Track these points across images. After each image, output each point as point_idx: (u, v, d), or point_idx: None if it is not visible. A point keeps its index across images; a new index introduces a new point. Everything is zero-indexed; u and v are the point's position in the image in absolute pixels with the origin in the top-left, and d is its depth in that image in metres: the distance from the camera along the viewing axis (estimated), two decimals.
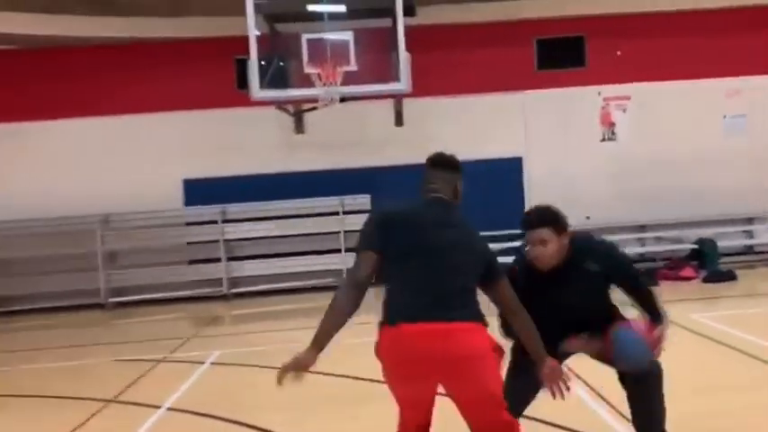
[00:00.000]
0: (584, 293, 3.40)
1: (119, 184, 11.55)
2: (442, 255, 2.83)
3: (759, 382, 5.21)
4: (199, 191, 11.73)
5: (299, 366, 2.75)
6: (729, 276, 10.05)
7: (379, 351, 2.87)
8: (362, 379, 5.91)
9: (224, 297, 11.40)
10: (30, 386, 6.51)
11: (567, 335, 3.46)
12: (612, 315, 3.53)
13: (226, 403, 5.45)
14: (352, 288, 2.89)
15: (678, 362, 5.65)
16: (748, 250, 11.99)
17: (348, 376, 6.03)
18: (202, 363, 6.95)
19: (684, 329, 6.77)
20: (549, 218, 3.38)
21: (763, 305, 8.55)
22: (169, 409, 5.44)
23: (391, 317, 2.82)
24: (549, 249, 3.31)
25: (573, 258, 3.39)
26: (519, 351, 3.31)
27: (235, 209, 11.63)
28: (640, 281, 3.55)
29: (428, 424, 3.02)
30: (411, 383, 2.84)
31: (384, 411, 5.29)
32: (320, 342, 2.81)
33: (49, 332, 9.88)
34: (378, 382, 5.78)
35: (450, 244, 2.88)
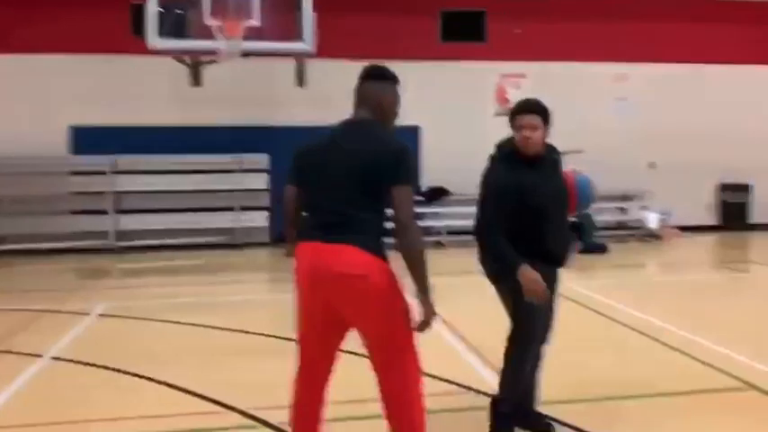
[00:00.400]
0: (557, 185, 3.72)
1: (2, 129, 10.90)
2: (341, 184, 2.92)
3: (612, 339, 5.75)
4: (88, 139, 11.25)
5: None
6: (602, 249, 10.82)
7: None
8: (250, 333, 6.04)
9: (111, 250, 11.09)
10: None
11: (546, 227, 3.56)
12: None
13: (111, 353, 5.42)
14: (285, 220, 3.20)
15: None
16: (621, 226, 12.91)
17: (235, 330, 6.14)
18: (87, 314, 6.81)
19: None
20: (541, 108, 3.68)
21: (628, 276, 9.30)
22: (53, 358, 5.35)
23: (298, 237, 3.03)
24: (537, 135, 3.60)
25: (547, 153, 3.75)
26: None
27: (126, 161, 11.26)
28: None
29: (319, 368, 3.11)
30: (306, 300, 2.98)
31: (263, 366, 5.46)
32: None
33: None
34: (261, 335, 5.93)
35: (350, 172, 2.91)
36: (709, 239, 12.45)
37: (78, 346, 5.69)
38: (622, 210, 12.96)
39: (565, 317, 6.42)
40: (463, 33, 12.37)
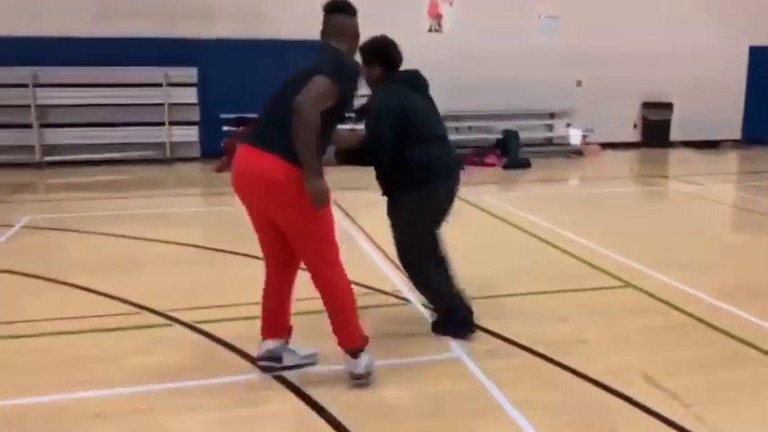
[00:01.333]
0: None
1: None
2: (279, 94, 3.24)
3: (525, 249, 6.18)
4: (5, 50, 10.86)
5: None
6: (525, 164, 11.24)
7: None
8: (175, 243, 6.23)
9: (37, 165, 10.94)
10: None
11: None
12: None
13: (37, 263, 5.55)
14: None
15: (466, 233, 6.49)
16: (548, 142, 13.34)
17: (160, 240, 6.32)
18: (12, 226, 6.86)
19: (475, 207, 7.69)
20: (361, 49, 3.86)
21: (551, 190, 9.75)
22: None
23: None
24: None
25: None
26: None
27: (48, 72, 10.96)
28: None
29: (277, 256, 3.44)
30: (241, 197, 3.36)
31: (185, 272, 5.69)
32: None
33: None
34: (186, 245, 6.10)
35: (290, 81, 3.20)
36: (630, 155, 13.00)
37: (4, 256, 5.80)
38: (548, 127, 13.36)
39: (472, 225, 6.88)
40: None
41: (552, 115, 13.34)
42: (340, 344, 3.37)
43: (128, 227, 6.79)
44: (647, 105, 13.76)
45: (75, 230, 6.80)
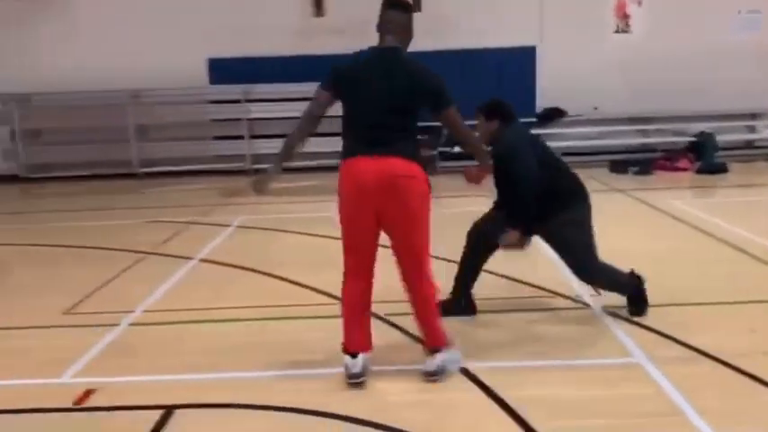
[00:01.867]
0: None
1: (147, 62, 12.09)
2: (382, 101, 3.44)
3: (717, 258, 5.94)
4: (223, 70, 12.25)
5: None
6: (721, 169, 10.58)
7: (339, 183, 3.53)
8: None
9: (246, 172, 12.18)
10: (77, 240, 7.41)
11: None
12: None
13: (249, 257, 6.32)
14: (306, 118, 3.76)
15: (656, 241, 6.40)
16: (748, 145, 12.43)
17: None
18: (228, 225, 7.81)
19: (665, 214, 7.47)
20: (482, 107, 4.40)
21: (749, 196, 9.14)
22: (201, 260, 6.33)
23: (343, 155, 3.54)
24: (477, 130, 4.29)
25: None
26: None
27: (258, 89, 12.18)
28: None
29: (366, 268, 3.64)
30: (355, 207, 3.48)
31: None
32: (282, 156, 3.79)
33: (87, 197, 10.77)
34: None
35: (389, 91, 3.42)
36: None
37: (223, 251, 6.66)
38: (750, 128, 12.44)
39: (661, 231, 6.70)
40: None
41: (754, 116, 12.41)
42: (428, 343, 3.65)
43: (324, 227, 7.43)
44: None
45: (279, 230, 7.59)
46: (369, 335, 3.69)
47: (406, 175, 3.42)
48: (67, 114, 12.06)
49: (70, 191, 11.31)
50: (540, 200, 4.13)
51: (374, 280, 3.69)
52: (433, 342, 3.65)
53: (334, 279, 5.40)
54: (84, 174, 12.03)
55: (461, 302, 4.55)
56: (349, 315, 3.65)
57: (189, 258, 6.35)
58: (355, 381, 3.55)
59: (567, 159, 12.05)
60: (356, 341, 3.61)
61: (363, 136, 3.48)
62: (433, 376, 3.60)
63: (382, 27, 3.57)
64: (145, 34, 12.17)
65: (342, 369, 3.62)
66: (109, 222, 8.49)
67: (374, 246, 3.62)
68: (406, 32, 3.59)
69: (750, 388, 3.45)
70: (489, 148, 4.28)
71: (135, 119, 12.17)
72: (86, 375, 3.86)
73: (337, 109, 3.64)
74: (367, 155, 3.42)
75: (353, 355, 3.56)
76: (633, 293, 4.40)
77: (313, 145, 13.44)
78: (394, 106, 3.45)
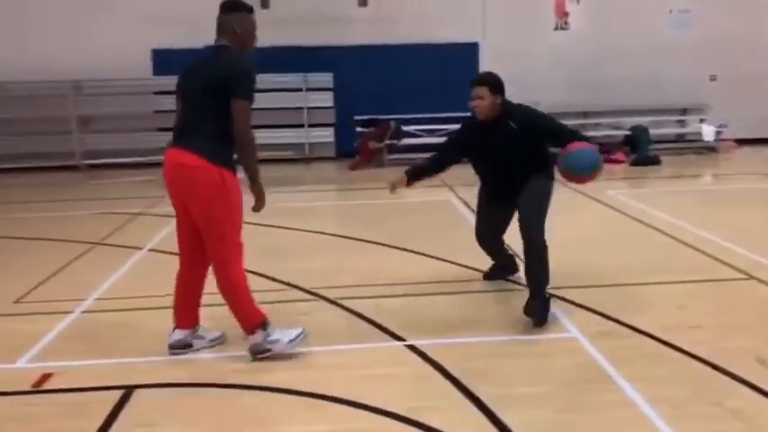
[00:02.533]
0: (506, 147, 4.42)
1: (90, 52, 11.91)
2: (191, 96, 3.66)
3: (648, 242, 6.32)
4: (167, 61, 12.13)
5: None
6: (654, 161, 11.11)
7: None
8: (314, 232, 6.88)
9: None
10: (23, 231, 7.33)
11: (500, 182, 4.61)
12: (541, 166, 4.50)
13: None
14: None
15: (589, 226, 6.74)
16: (680, 139, 13.05)
17: (301, 230, 7.00)
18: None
19: (598, 202, 7.85)
20: (487, 79, 4.44)
21: (679, 186, 9.65)
22: (150, 249, 6.37)
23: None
24: (484, 103, 4.37)
25: (500, 118, 4.41)
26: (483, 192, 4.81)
27: None
28: (562, 132, 4.42)
29: (190, 253, 3.84)
30: (170, 196, 3.75)
31: (322, 258, 6.29)
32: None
33: (32, 189, 10.56)
34: (323, 234, 6.69)
35: (197, 87, 3.61)
36: (766, 151, 12.46)
37: (169, 241, 6.68)
38: (680, 123, 13.06)
39: (596, 219, 7.07)
40: None
41: (685, 111, 13.05)
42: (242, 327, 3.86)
43: (276, 219, 7.54)
44: None
45: None
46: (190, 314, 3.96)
47: (189, 165, 3.53)
48: (7, 104, 11.78)
49: (12, 183, 11.08)
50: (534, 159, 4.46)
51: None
52: (245, 326, 3.83)
53: (281, 267, 5.59)
54: (26, 166, 11.79)
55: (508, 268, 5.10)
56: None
57: (138, 248, 6.38)
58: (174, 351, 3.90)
59: None
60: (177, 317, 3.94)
61: (174, 128, 3.76)
62: (255, 355, 3.80)
63: (217, 30, 3.78)
64: (88, 23, 11.98)
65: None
66: (55, 214, 8.40)
67: (185, 233, 3.83)
68: (240, 33, 3.71)
69: (675, 358, 3.75)
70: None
71: (77, 110, 11.97)
72: (42, 360, 3.91)
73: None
74: (170, 147, 3.67)
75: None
76: (544, 295, 4.36)
77: (268, 136, 13.42)
78: (199, 98, 3.60)
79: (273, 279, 5.30)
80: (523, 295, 4.40)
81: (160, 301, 4.86)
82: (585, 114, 12.88)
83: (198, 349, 3.97)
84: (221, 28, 3.72)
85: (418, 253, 5.95)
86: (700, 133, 12.47)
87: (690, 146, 12.67)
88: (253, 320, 3.79)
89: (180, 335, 3.92)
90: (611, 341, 3.99)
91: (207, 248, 3.73)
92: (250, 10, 3.78)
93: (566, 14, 12.76)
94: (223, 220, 3.64)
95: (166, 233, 7.02)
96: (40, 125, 11.86)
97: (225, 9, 3.72)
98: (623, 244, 6.29)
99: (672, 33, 12.73)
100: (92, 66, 11.90)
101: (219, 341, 4.06)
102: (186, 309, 3.94)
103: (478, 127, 4.51)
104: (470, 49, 12.62)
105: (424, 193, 8.91)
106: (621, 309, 4.45)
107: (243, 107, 3.52)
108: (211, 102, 3.55)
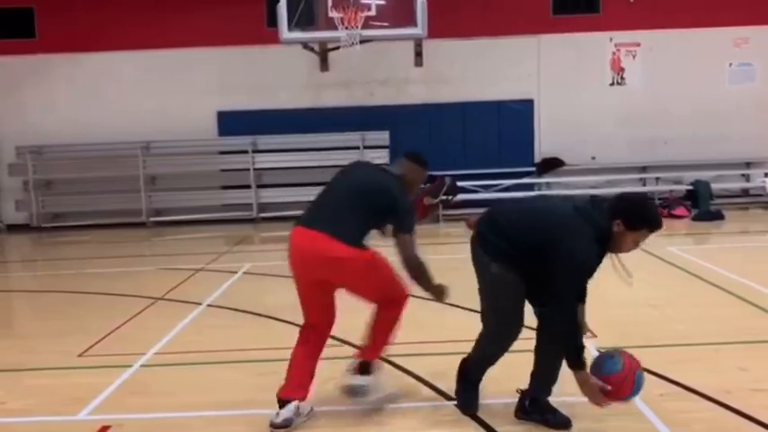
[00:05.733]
0: None
1: (159, 115, 12.54)
2: (347, 192, 3.88)
3: (710, 301, 6.13)
4: (232, 123, 12.66)
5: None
6: (717, 216, 10.83)
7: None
8: None
9: (253, 220, 12.47)
10: (88, 286, 7.64)
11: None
12: None
13: (255, 303, 6.52)
14: None
15: (639, 281, 6.56)
16: (744, 193, 12.69)
17: None
18: (235, 272, 8.03)
19: (661, 260, 7.68)
20: None
21: (743, 242, 9.35)
22: (209, 305, 6.54)
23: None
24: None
25: None
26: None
27: (264, 140, 12.56)
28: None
29: (320, 323, 4.01)
30: (297, 275, 3.93)
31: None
32: None
33: (97, 245, 11.03)
34: None
35: (357, 187, 3.87)
36: None
37: (230, 296, 6.87)
38: (745, 177, 12.72)
39: (657, 276, 6.90)
40: (576, 5, 12.58)
41: (748, 165, 12.71)
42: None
43: None
44: None
45: (284, 276, 7.78)
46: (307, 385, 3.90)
47: (337, 255, 3.70)
48: (82, 166, 12.43)
49: (81, 240, 11.59)
50: None
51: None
52: (368, 355, 4.03)
53: (340, 323, 5.64)
54: (95, 223, 12.33)
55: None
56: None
57: (198, 304, 6.56)
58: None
59: None
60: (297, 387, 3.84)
61: (312, 211, 4.06)
62: (348, 390, 3.96)
63: (396, 161, 4.22)
64: (160, 89, 12.64)
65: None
66: (120, 269, 8.74)
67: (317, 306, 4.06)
68: (405, 177, 4.06)
69: (739, 423, 3.61)
70: None
71: (146, 170, 12.53)
72: (102, 413, 4.04)
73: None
74: (306, 227, 3.88)
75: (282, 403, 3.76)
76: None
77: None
78: (355, 199, 3.85)
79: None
80: None
81: (218, 356, 4.99)
82: (644, 169, 12.71)
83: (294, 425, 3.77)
84: (399, 164, 4.14)
85: (470, 309, 5.92)
86: (764, 188, 12.11)
87: (755, 200, 12.31)
88: (376, 356, 4.01)
89: (288, 413, 3.72)
90: (670, 404, 3.87)
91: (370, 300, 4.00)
92: (425, 168, 4.19)
93: (622, 70, 12.74)
94: (379, 279, 3.91)
95: (225, 288, 7.22)
96: (110, 184, 12.43)
97: (409, 155, 4.17)
98: (685, 302, 6.12)
99: (733, 87, 12.53)
100: (160, 128, 12.50)
101: (312, 415, 3.91)
102: (305, 379, 3.88)
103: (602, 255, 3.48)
104: (527, 106, 12.72)
105: None
106: (679, 370, 4.31)
107: (409, 239, 3.84)
108: (369, 209, 3.81)
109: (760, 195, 12.30)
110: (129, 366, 4.82)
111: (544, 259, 3.37)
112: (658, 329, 5.16)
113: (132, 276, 8.24)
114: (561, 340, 3.45)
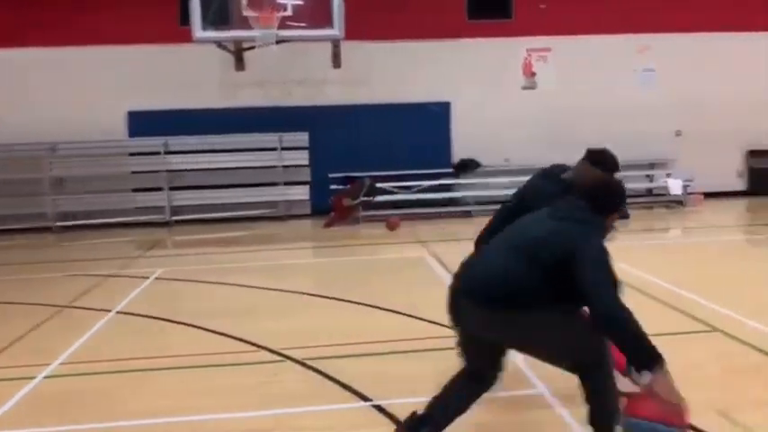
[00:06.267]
0: None
1: (66, 115, 12.01)
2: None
3: None
4: (143, 123, 12.27)
5: None
6: (623, 216, 11.26)
7: None
8: (288, 292, 6.88)
9: (166, 224, 12.13)
10: None
11: None
12: None
13: (168, 308, 6.34)
14: None
15: None
16: (648, 193, 13.31)
17: (275, 289, 7.00)
18: (147, 278, 7.78)
19: None
20: None
21: (644, 240, 9.80)
22: (118, 312, 6.30)
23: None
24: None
25: None
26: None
27: (177, 141, 12.23)
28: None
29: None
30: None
31: (297, 318, 6.26)
32: None
33: (2, 252, 10.46)
34: (299, 293, 6.71)
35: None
36: (734, 205, 12.75)
37: (141, 303, 6.64)
38: (649, 177, 13.35)
39: None
40: (490, 11, 12.87)
41: (652, 166, 13.34)
42: None
43: (246, 277, 7.54)
44: (753, 153, 13.49)
45: (199, 281, 7.63)
46: None
47: None
48: None
49: None
50: None
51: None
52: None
53: (251, 327, 5.57)
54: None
55: None
56: None
57: (107, 311, 6.31)
58: None
59: (479, 208, 12.51)
60: None
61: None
62: None
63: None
64: (66, 88, 12.11)
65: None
66: (25, 276, 8.31)
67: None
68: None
69: None
70: None
71: (53, 172, 11.98)
72: (5, 428, 3.82)
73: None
74: None
75: None
76: None
77: (244, 195, 13.53)
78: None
79: (242, 340, 5.26)
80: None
81: (125, 365, 4.81)
82: None
83: None
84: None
85: (389, 310, 5.95)
86: (666, 187, 12.74)
87: (657, 200, 12.93)
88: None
89: None
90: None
91: None
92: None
93: (533, 74, 13.13)
94: None
95: (135, 295, 6.99)
96: (12, 187, 11.81)
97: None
98: None
99: (637, 91, 13.13)
100: (67, 129, 11.98)
101: None
102: None
103: None
104: (442, 108, 12.92)
105: (398, 250, 8.99)
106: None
107: None
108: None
109: (662, 195, 12.92)
110: (32, 378, 4.59)
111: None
112: None
113: (38, 283, 7.85)
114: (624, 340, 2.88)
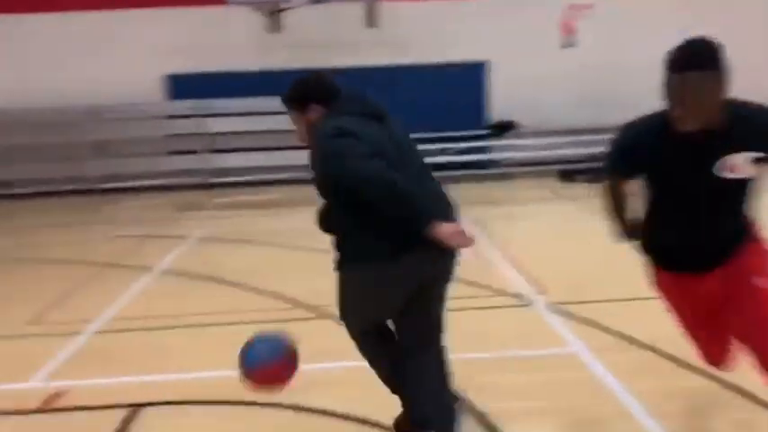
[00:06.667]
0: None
1: (104, 79, 12.16)
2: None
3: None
4: (181, 86, 12.37)
5: None
6: None
7: None
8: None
9: (204, 186, 12.30)
10: (35, 254, 7.48)
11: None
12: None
13: (209, 268, 6.48)
14: None
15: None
16: None
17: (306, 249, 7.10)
18: (187, 238, 7.95)
19: None
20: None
21: None
22: (163, 271, 6.48)
23: None
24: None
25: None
26: None
27: (215, 104, 12.32)
28: None
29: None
30: None
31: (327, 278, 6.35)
32: None
33: (44, 213, 10.71)
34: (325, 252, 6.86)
35: None
36: None
37: (183, 262, 6.81)
38: None
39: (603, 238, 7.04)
40: None
41: None
42: None
43: (282, 239, 7.65)
44: None
45: (239, 240, 7.78)
46: None
47: None
48: (24, 131, 12.02)
49: (27, 207, 11.27)
50: None
51: None
52: None
53: (295, 286, 5.67)
54: (42, 190, 11.98)
55: None
56: None
57: (149, 269, 6.49)
58: None
59: (519, 170, 12.35)
60: None
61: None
62: None
63: None
64: (104, 51, 12.25)
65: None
66: (67, 237, 8.56)
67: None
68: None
69: (669, 365, 3.77)
70: None
71: (92, 135, 12.20)
72: (54, 379, 4.00)
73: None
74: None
75: None
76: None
77: (275, 159, 13.57)
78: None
79: (278, 296, 5.38)
80: (525, 311, 4.40)
81: (168, 321, 4.97)
82: (597, 131, 12.86)
83: None
84: None
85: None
86: None
87: None
88: None
89: None
90: (613, 355, 4.02)
91: None
92: None
93: (572, 31, 12.84)
94: None
95: (178, 254, 7.16)
96: (55, 151, 12.06)
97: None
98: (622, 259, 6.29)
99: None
100: (106, 93, 12.16)
101: None
102: None
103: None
104: (479, 68, 12.77)
105: None
106: (621, 322, 4.48)
107: None
108: None
109: None
110: (81, 333, 4.77)
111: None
112: (596, 286, 5.33)
113: (80, 244, 8.06)
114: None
